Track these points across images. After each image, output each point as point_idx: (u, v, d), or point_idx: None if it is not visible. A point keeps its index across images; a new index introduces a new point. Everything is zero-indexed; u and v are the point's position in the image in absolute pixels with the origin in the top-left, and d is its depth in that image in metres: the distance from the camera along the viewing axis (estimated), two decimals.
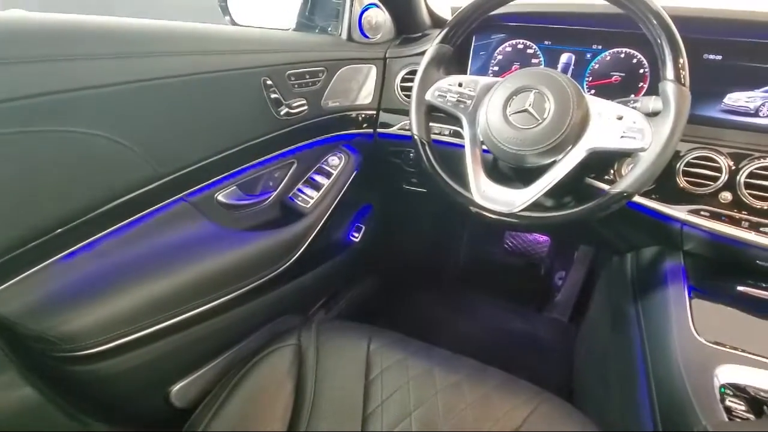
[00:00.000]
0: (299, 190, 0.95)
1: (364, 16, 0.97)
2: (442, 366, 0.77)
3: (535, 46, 0.93)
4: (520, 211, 0.69)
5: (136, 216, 0.68)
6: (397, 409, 0.72)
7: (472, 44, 0.99)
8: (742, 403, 0.60)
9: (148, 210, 0.69)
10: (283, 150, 0.88)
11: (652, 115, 0.64)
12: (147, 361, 0.71)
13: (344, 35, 0.98)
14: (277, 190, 0.91)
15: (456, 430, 0.69)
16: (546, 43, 0.92)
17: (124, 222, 0.67)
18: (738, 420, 0.57)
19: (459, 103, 0.75)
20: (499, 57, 0.97)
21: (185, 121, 0.70)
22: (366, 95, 0.99)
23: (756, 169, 0.72)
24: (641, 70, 0.85)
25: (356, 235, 1.26)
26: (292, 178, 0.93)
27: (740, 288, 0.77)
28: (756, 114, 0.79)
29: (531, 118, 0.67)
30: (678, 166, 0.76)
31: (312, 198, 0.94)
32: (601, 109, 0.66)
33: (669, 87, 0.62)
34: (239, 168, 0.81)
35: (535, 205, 0.69)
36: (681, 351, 0.69)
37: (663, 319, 0.76)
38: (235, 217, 0.83)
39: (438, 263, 1.62)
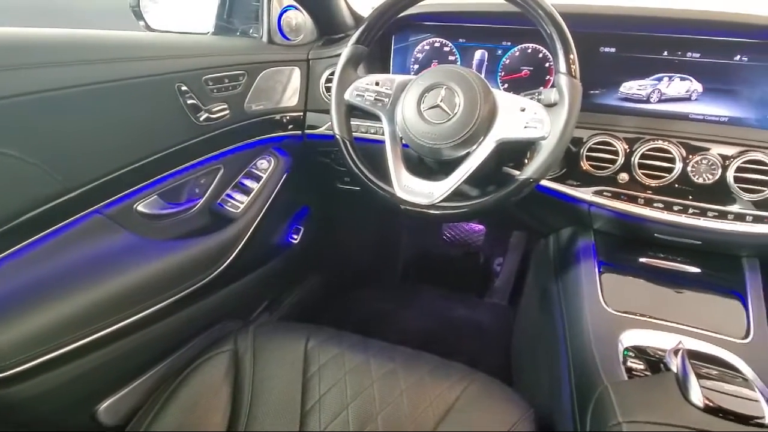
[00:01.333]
0: (228, 195, 0.94)
1: (283, 18, 0.97)
2: (378, 357, 0.79)
3: (450, 44, 0.98)
4: (439, 202, 0.72)
5: (46, 232, 0.65)
6: (334, 403, 0.74)
7: (392, 44, 1.02)
8: (641, 362, 0.66)
9: (58, 225, 0.66)
10: (207, 156, 0.87)
11: (552, 105, 0.69)
12: (69, 380, 0.68)
13: (265, 38, 0.98)
14: (205, 197, 0.89)
15: (391, 416, 0.71)
16: (460, 41, 0.97)
17: (33, 239, 0.64)
18: (637, 378, 0.63)
19: (377, 101, 0.78)
20: (419, 55, 1.00)
21: (94, 131, 0.67)
22: (291, 97, 0.99)
23: (647, 150, 0.79)
24: (547, 64, 0.92)
25: (295, 237, 1.26)
26: (219, 183, 0.91)
27: (642, 260, 0.84)
28: (647, 101, 0.87)
29: (443, 113, 0.70)
30: (581, 151, 0.82)
31: (242, 203, 0.93)
32: (506, 102, 0.71)
33: (562, 79, 0.67)
34: (159, 176, 0.79)
35: (458, 195, 0.73)
36: (591, 322, 0.75)
37: (577, 295, 0.82)
38: (160, 227, 0.81)
39: (380, 259, 1.65)
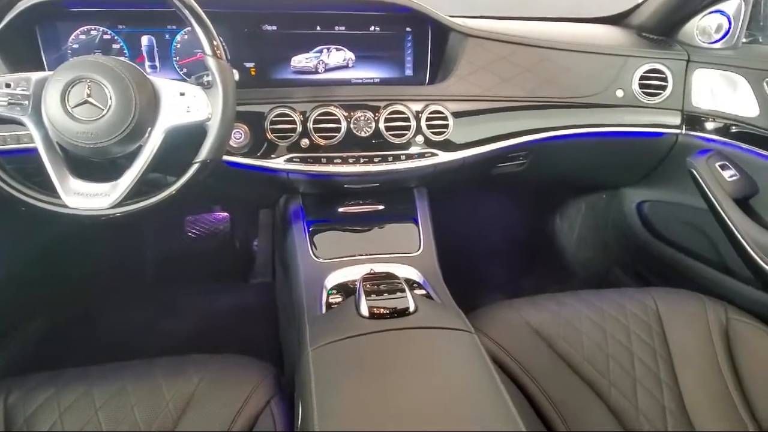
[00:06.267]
0: None
1: None
2: (101, 381, 0.73)
3: (110, 32, 0.90)
4: (122, 200, 0.68)
5: None
6: None
7: (39, 37, 0.88)
8: (339, 296, 0.78)
9: None
10: None
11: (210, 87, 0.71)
12: None
13: None
14: None
15: None
16: (120, 27, 0.90)
17: None
18: (331, 309, 0.74)
19: (13, 105, 0.67)
20: (75, 47, 0.89)
21: None
22: None
23: (318, 116, 0.89)
24: None
25: None
26: None
27: (341, 210, 0.98)
28: (316, 71, 0.98)
29: (96, 109, 0.65)
30: (266, 125, 0.88)
31: None
32: (166, 89, 0.69)
33: (210, 62, 0.69)
34: None
35: (155, 187, 0.70)
36: (304, 275, 0.84)
37: (294, 254, 0.90)
38: None
39: (123, 274, 1.49)
